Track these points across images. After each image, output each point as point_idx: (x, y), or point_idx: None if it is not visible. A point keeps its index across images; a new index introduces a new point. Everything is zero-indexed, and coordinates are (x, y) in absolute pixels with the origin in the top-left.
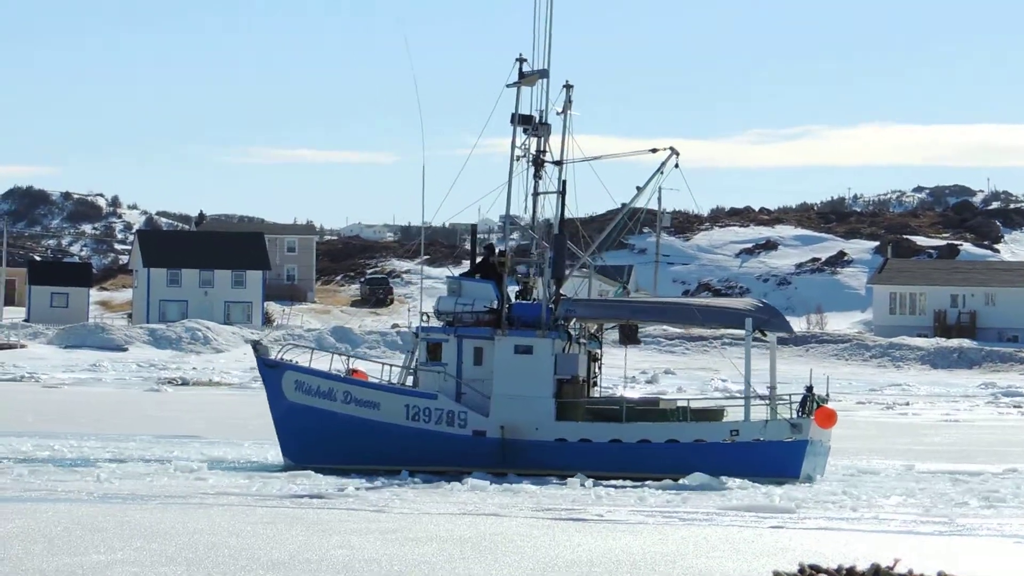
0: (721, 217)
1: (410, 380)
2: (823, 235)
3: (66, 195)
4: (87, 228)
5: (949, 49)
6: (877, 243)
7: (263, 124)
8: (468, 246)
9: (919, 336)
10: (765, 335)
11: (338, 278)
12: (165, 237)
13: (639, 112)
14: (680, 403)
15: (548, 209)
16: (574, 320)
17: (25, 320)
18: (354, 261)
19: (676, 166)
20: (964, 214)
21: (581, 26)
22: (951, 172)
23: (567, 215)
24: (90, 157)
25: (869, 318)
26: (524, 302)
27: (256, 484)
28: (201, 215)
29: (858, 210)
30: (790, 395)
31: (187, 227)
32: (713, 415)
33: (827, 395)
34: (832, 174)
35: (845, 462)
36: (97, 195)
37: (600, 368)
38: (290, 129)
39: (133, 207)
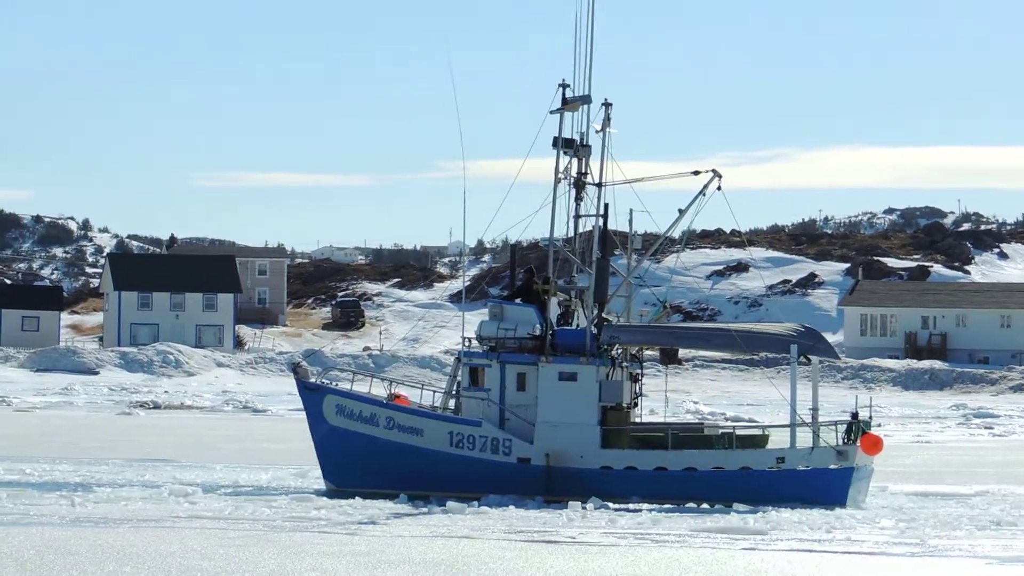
0: (692, 239)
1: (451, 403)
2: (794, 257)
3: (37, 218)
4: (58, 251)
5: (921, 71)
6: (848, 265)
7: (234, 147)
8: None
9: (890, 357)
10: (809, 360)
11: (309, 301)
12: (136, 260)
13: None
14: (724, 429)
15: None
16: (617, 345)
17: None
18: (325, 284)
19: (719, 188)
20: (935, 236)
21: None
22: (922, 194)
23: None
24: (61, 180)
25: (840, 340)
26: (567, 328)
27: (229, 507)
28: (172, 238)
29: (829, 232)
30: (835, 422)
31: (158, 250)
32: (758, 441)
33: (871, 420)
34: (803, 196)
35: None
36: (68, 218)
37: (641, 389)
38: (262, 152)
39: (104, 230)
